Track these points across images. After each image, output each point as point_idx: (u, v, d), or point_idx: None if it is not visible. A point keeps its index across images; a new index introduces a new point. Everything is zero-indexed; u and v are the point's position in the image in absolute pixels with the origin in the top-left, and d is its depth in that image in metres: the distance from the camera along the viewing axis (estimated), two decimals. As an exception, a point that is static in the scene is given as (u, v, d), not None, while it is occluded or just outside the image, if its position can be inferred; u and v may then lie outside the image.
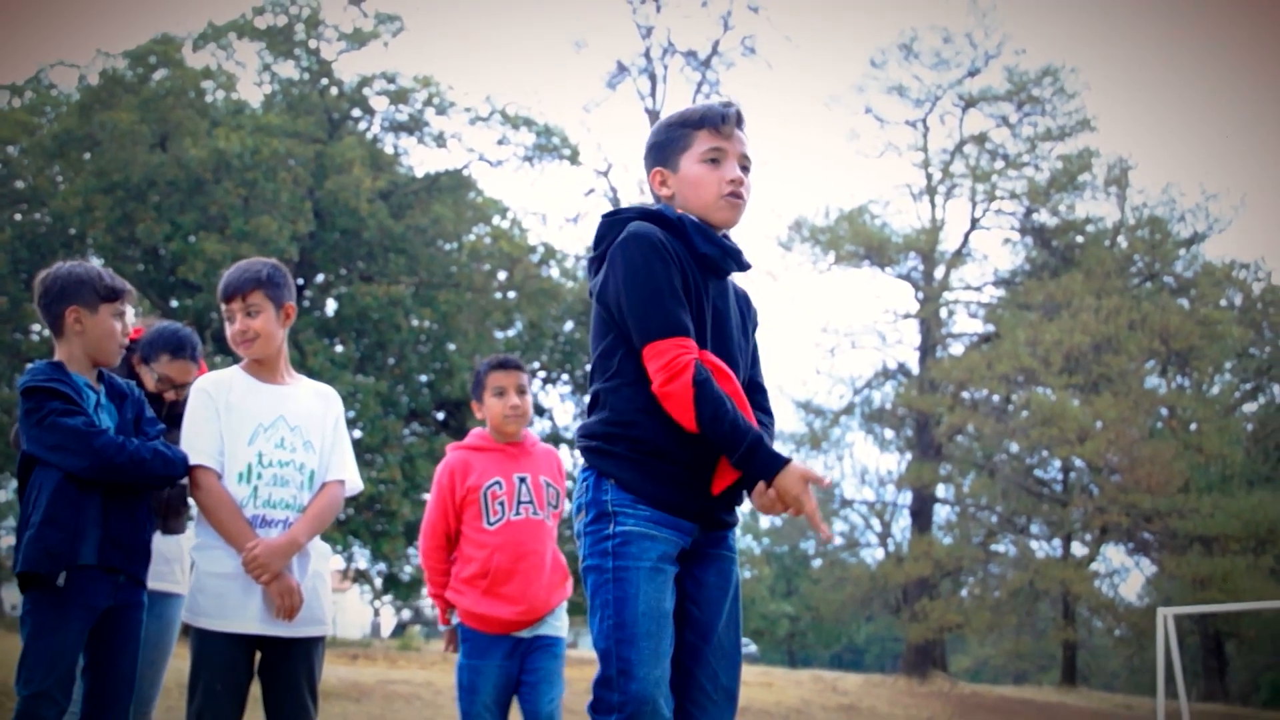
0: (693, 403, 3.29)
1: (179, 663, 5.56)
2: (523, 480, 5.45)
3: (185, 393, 5.12)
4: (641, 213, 3.55)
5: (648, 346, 3.36)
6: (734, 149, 3.58)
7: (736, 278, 3.77)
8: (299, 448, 4.57)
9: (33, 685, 4.17)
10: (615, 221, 3.55)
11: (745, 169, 3.60)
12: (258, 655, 4.47)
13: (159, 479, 4.44)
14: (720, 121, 3.56)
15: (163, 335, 5.31)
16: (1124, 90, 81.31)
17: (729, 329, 3.58)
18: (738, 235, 3.73)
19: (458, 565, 5.44)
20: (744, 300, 3.77)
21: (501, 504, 5.38)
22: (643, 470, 3.38)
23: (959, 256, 39.55)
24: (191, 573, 4.48)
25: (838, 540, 45.64)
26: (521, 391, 5.55)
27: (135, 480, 4.37)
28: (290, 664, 4.44)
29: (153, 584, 4.90)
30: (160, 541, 4.95)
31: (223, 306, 4.60)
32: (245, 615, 4.33)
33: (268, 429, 4.51)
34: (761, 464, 3.33)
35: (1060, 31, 74.02)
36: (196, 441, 4.46)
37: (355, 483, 4.79)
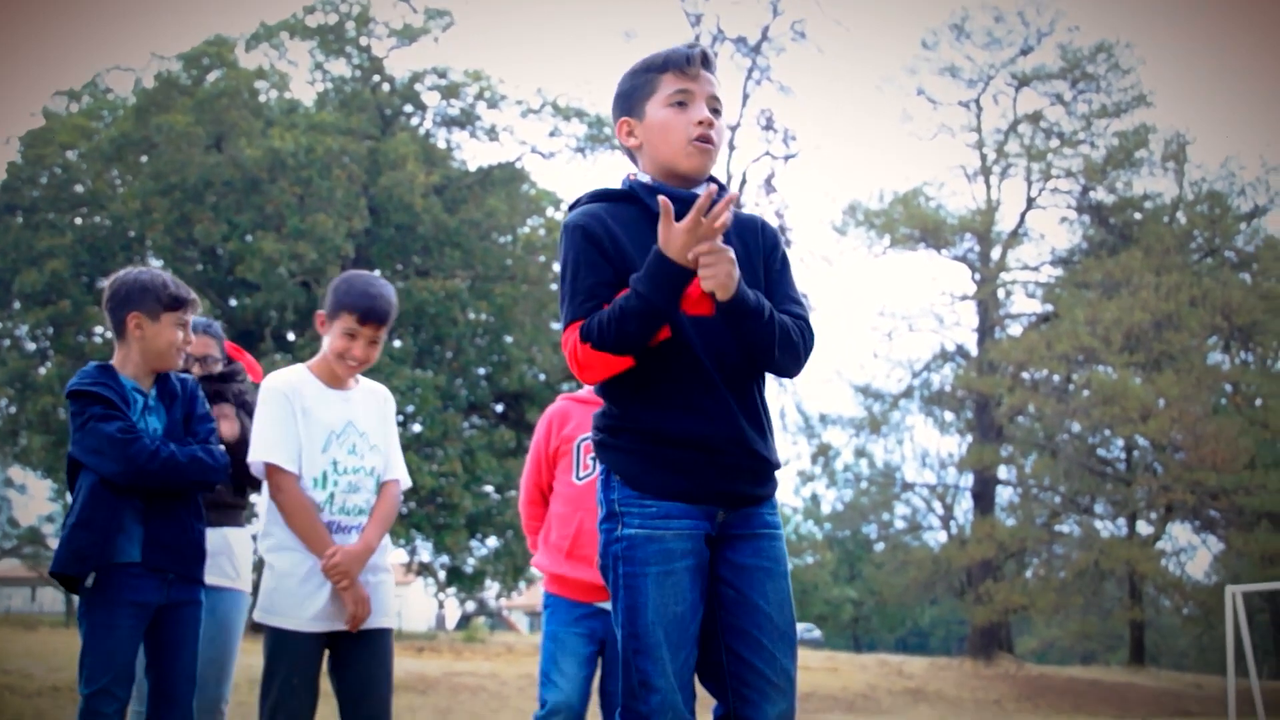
0: (597, 351, 3.13)
1: (244, 659, 5.59)
2: None
3: (209, 366, 5.33)
4: (593, 195, 3.39)
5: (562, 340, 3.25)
6: (702, 90, 3.36)
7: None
8: (367, 453, 4.60)
9: (93, 684, 4.26)
10: (570, 212, 3.40)
11: (716, 112, 3.38)
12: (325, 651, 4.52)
13: (195, 484, 4.49)
14: (685, 63, 3.35)
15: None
16: (1180, 64, 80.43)
17: None
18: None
19: (545, 527, 5.09)
20: (748, 231, 3.46)
21: (594, 458, 4.84)
22: (647, 460, 3.23)
23: (1015, 237, 39.35)
24: (266, 572, 4.50)
25: (899, 524, 45.53)
26: None
27: (170, 485, 4.42)
28: (363, 658, 4.48)
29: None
30: (208, 535, 4.89)
31: (347, 319, 4.56)
32: (318, 613, 4.39)
33: (340, 436, 4.54)
34: (655, 268, 3.09)
35: (1114, 7, 73.33)
36: (275, 443, 4.49)
37: (406, 480, 4.78)
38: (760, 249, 3.44)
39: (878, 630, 66.02)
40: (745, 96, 38.67)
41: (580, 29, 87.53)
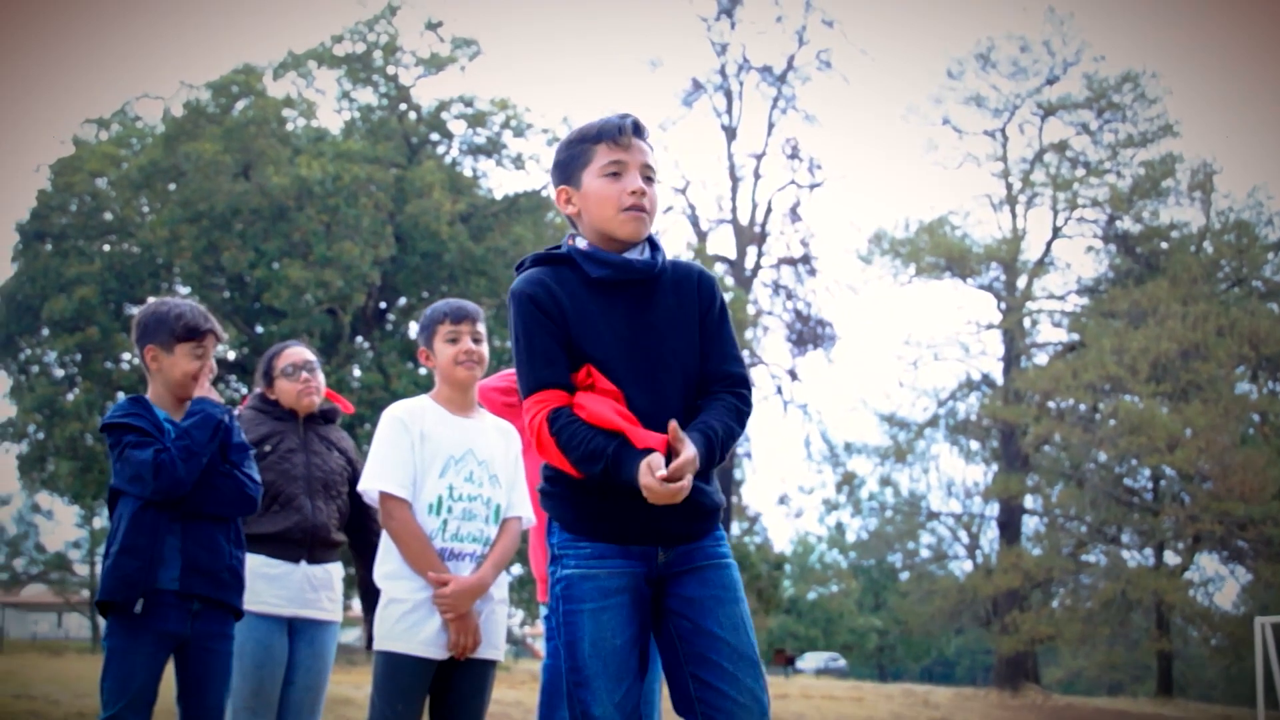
0: (560, 451, 3.28)
1: (334, 688, 5.62)
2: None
3: (317, 377, 5.44)
4: (535, 258, 3.53)
5: (522, 407, 3.39)
6: (634, 160, 3.45)
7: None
8: (485, 482, 4.61)
9: (108, 708, 4.29)
10: (517, 276, 3.54)
11: (649, 179, 3.47)
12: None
13: (228, 502, 4.52)
14: (618, 133, 3.45)
15: (270, 352, 5.56)
16: (1207, 93, 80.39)
17: (653, 338, 3.45)
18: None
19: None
20: (686, 289, 3.53)
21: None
22: (581, 508, 3.37)
23: (1041, 266, 39.29)
24: (381, 598, 4.53)
25: (925, 553, 45.38)
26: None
27: (207, 499, 4.45)
28: (465, 684, 4.54)
29: (303, 611, 5.18)
30: (311, 570, 5.22)
31: (443, 328, 4.70)
32: (430, 640, 4.43)
33: (459, 462, 4.57)
34: (625, 471, 3.21)
35: (1140, 37, 73.36)
36: (389, 470, 4.52)
37: (530, 518, 4.79)
38: (695, 301, 3.53)
39: (903, 660, 65.76)
40: (770, 125, 38.77)
41: (606, 58, 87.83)
